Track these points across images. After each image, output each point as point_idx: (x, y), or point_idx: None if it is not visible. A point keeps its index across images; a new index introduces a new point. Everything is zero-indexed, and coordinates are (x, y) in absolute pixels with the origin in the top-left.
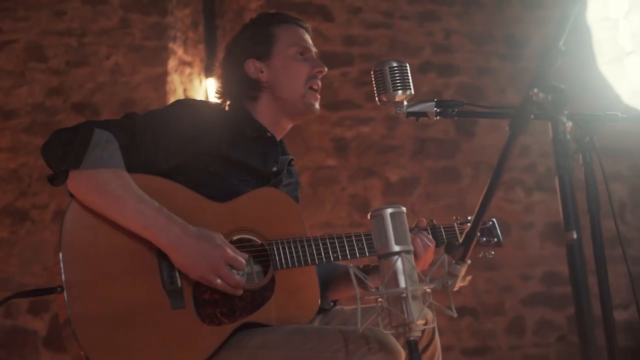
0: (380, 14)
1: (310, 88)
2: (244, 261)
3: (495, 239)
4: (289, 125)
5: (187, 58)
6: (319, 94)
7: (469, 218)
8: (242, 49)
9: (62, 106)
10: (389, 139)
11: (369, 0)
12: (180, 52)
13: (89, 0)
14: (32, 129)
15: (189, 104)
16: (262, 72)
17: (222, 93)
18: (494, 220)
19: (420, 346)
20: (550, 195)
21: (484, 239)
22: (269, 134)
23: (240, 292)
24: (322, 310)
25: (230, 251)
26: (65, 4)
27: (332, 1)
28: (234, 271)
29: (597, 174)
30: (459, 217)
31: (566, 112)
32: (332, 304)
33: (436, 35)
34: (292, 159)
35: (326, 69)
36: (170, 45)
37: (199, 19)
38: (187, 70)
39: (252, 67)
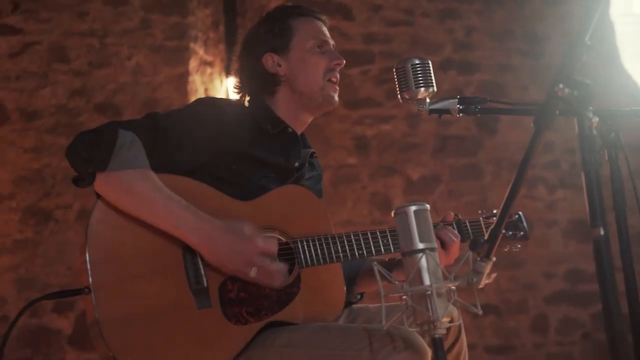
0: (401, 11)
1: (329, 80)
2: (275, 246)
3: (522, 233)
4: (309, 119)
5: (208, 58)
6: (338, 86)
7: (495, 212)
8: (260, 43)
9: (84, 107)
10: (410, 136)
11: None
12: (201, 52)
13: (110, 1)
14: (55, 130)
15: (210, 103)
16: (280, 65)
17: (241, 88)
18: (521, 213)
19: (446, 344)
20: (574, 192)
21: (510, 233)
22: (290, 130)
23: (278, 282)
24: (349, 304)
25: (261, 241)
26: (87, 5)
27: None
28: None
29: (623, 169)
30: (484, 211)
31: (592, 107)
32: (359, 296)
33: (457, 32)
34: (313, 152)
35: (344, 61)
36: (192, 45)
37: (219, 19)
38: (208, 70)
39: (270, 61)
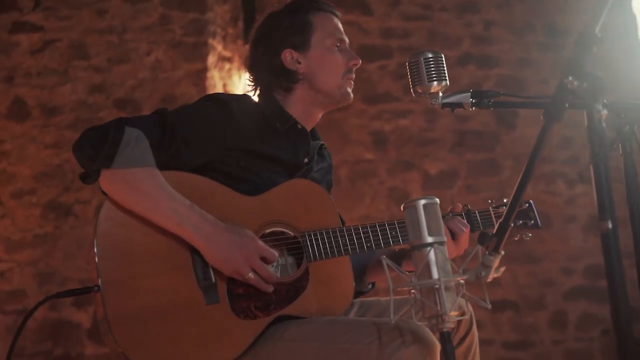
0: (419, 6)
1: (347, 78)
2: (276, 253)
3: (532, 221)
4: (320, 114)
5: (227, 54)
6: (354, 82)
7: (505, 201)
8: (280, 38)
9: (104, 103)
10: (428, 131)
11: None
12: (219, 47)
13: None
14: (75, 126)
15: (218, 99)
16: (299, 63)
17: (255, 81)
18: (531, 201)
19: (457, 337)
20: (591, 188)
21: (520, 222)
22: (299, 126)
23: (270, 288)
24: (360, 294)
25: (262, 243)
26: (107, 2)
27: None
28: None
29: (638, 164)
30: (494, 201)
31: (604, 100)
32: (370, 286)
33: (476, 26)
34: (322, 144)
35: (360, 61)
36: (210, 41)
37: (238, 15)
38: (227, 65)
39: (289, 57)
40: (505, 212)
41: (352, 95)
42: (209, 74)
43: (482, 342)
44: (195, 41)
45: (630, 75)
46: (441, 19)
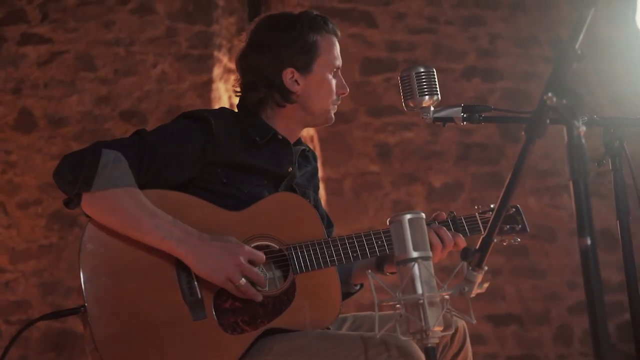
0: (424, 19)
1: (334, 104)
2: (263, 255)
3: (520, 226)
4: (300, 131)
5: (233, 66)
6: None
7: (492, 206)
8: (287, 54)
9: (110, 114)
10: (432, 144)
11: (413, 5)
12: (225, 60)
13: (136, 10)
14: (81, 137)
15: (195, 116)
16: (298, 84)
17: (245, 90)
18: (518, 206)
19: (451, 353)
20: (599, 201)
21: (508, 227)
22: (280, 137)
23: (260, 297)
24: (348, 295)
25: (248, 247)
26: (114, 14)
27: (376, 7)
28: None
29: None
30: (480, 207)
31: (595, 116)
32: (357, 287)
33: (481, 39)
34: (304, 149)
35: (348, 91)
36: (216, 53)
37: (244, 27)
38: (232, 77)
39: (290, 77)
40: (488, 227)
41: (334, 117)
42: (214, 86)
43: (487, 357)
44: (201, 53)
45: (635, 90)
46: (446, 33)
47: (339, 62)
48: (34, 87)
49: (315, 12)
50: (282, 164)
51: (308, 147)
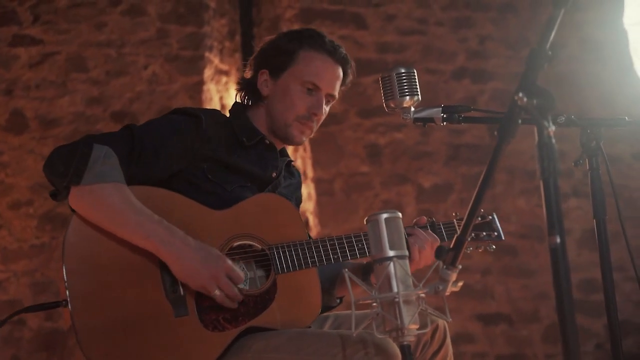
0: (414, 20)
1: (298, 121)
2: (242, 275)
3: (496, 233)
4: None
5: (224, 67)
6: (311, 129)
7: None
8: (264, 57)
9: (102, 115)
10: (422, 145)
11: (403, 7)
12: (216, 61)
13: (127, 12)
14: (73, 138)
15: (186, 112)
16: (267, 86)
17: (238, 89)
18: (494, 214)
19: (431, 351)
20: (588, 201)
21: (484, 234)
22: (267, 141)
23: (235, 305)
24: (328, 308)
25: (230, 263)
26: (105, 16)
27: (366, 9)
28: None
29: (604, 177)
30: (458, 213)
31: (564, 116)
32: (338, 300)
33: (471, 41)
34: (290, 160)
35: (323, 116)
36: (207, 54)
37: (235, 29)
38: (224, 79)
39: (262, 78)
40: (462, 227)
41: (298, 139)
42: (205, 87)
43: (476, 356)
44: (192, 55)
45: (624, 91)
46: (436, 34)
47: (318, 80)
48: (25, 88)
49: (320, 32)
50: (267, 167)
51: (292, 160)
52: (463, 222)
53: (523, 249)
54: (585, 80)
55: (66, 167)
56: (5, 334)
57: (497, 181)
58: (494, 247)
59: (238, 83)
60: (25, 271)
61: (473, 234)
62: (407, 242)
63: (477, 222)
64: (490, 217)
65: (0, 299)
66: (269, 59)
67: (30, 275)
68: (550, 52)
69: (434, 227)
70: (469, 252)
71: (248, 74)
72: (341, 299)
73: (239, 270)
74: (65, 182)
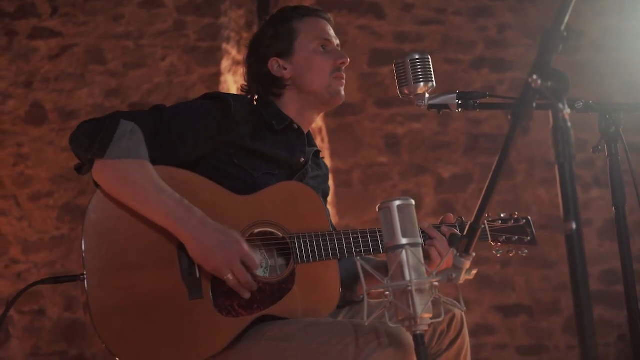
0: (432, 10)
1: (335, 78)
2: (257, 261)
3: (529, 237)
4: (316, 116)
5: (241, 58)
6: (345, 81)
7: (502, 215)
8: (265, 48)
9: (120, 107)
10: (441, 135)
11: None
12: (234, 52)
13: (145, 4)
14: None
15: (215, 97)
16: (285, 69)
17: (248, 90)
18: (529, 217)
19: (447, 340)
20: (610, 191)
21: (517, 237)
22: (295, 126)
23: (248, 295)
24: (350, 302)
25: (247, 247)
26: (123, 8)
27: None
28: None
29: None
30: (490, 215)
31: (582, 101)
32: (361, 297)
33: (489, 30)
34: (318, 151)
35: (349, 60)
36: (224, 45)
37: (253, 19)
38: (241, 70)
39: (275, 65)
40: (475, 213)
41: (343, 94)
42: (222, 78)
43: (496, 347)
44: (209, 46)
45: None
46: (455, 23)
47: (325, 35)
48: (44, 80)
49: (295, 5)
50: (295, 152)
51: (320, 151)
52: (477, 208)
53: (543, 239)
54: (607, 69)
55: (91, 140)
56: (26, 324)
57: (517, 171)
58: (526, 251)
59: (246, 85)
60: (46, 262)
61: (504, 237)
62: (423, 239)
63: (510, 225)
64: (524, 220)
65: (20, 290)
66: (271, 47)
67: (50, 267)
68: (565, 33)
69: (463, 227)
70: (498, 255)
71: (254, 71)
72: (363, 296)
73: (255, 256)
74: (90, 155)
